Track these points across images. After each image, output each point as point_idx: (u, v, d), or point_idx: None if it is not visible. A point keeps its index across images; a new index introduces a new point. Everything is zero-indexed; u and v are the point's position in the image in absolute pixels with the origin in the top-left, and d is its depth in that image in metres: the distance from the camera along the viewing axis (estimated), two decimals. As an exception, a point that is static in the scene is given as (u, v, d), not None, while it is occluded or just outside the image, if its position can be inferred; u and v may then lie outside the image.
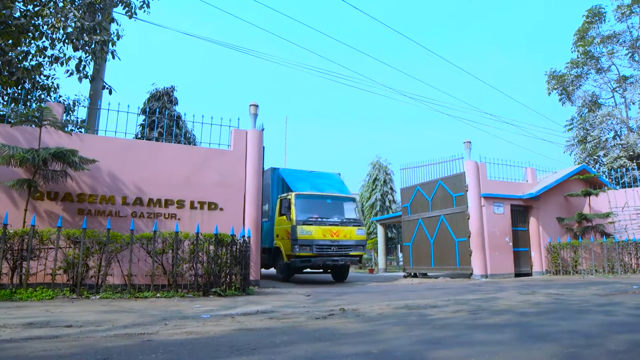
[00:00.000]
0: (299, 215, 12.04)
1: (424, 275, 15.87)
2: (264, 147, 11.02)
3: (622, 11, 20.42)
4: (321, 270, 14.47)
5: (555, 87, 22.55)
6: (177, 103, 23.78)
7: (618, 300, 6.21)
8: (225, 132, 10.55)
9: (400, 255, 23.59)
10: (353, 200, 13.75)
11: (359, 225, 12.95)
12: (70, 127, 12.70)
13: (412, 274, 16.04)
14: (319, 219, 12.31)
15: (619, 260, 13.11)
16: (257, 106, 11.05)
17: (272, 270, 14.41)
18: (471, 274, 13.34)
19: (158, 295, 7.45)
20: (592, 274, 13.11)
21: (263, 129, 11.04)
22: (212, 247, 8.10)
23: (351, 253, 12.55)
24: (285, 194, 12.83)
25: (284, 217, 12.34)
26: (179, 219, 9.41)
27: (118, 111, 9.25)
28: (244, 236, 8.67)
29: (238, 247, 8.42)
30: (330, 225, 12.36)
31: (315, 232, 12.03)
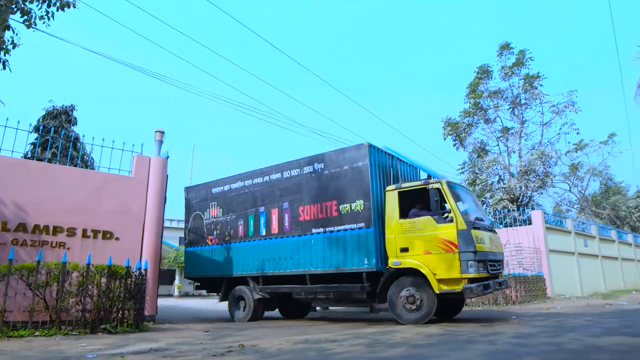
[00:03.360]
0: (464, 215, 8.18)
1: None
2: (167, 176, 10.64)
3: (506, 71, 23.15)
4: None
5: (450, 133, 24.59)
6: (76, 123, 22.18)
7: (500, 330, 6.75)
8: (127, 158, 10.04)
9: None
10: None
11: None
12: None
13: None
14: (480, 221, 8.64)
15: (502, 293, 14.29)
16: (162, 133, 10.70)
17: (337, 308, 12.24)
18: (371, 307, 13.66)
19: (37, 333, 6.72)
20: (479, 306, 14.13)
21: (168, 157, 10.68)
22: (104, 280, 7.54)
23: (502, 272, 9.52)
24: (419, 183, 8.94)
25: (427, 220, 8.32)
26: (68, 248, 8.63)
27: (5, 127, 8.40)
28: (140, 268, 8.20)
29: (133, 279, 7.94)
30: (489, 230, 8.87)
31: (487, 242, 8.41)
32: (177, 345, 5.65)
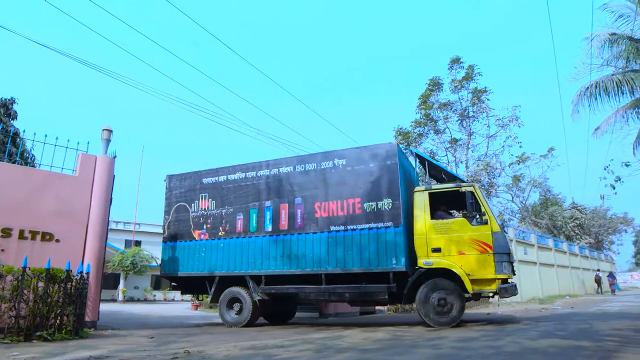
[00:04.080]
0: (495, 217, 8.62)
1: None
2: (114, 176, 10.26)
3: (455, 85, 24.01)
4: None
5: (401, 142, 25.17)
6: (16, 117, 20.98)
7: (444, 334, 6.96)
8: (71, 156, 9.61)
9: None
10: None
11: None
12: None
13: None
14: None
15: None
16: (110, 131, 10.31)
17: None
18: (320, 312, 13.73)
19: (-37, 341, 6.27)
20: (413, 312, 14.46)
21: (115, 156, 10.31)
22: (41, 284, 7.15)
23: None
24: (451, 185, 9.12)
25: (460, 221, 8.63)
26: (2, 249, 8.13)
27: None
28: (82, 272, 7.84)
29: (74, 283, 7.57)
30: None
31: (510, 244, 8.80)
32: (118, 353, 5.44)
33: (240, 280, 9.91)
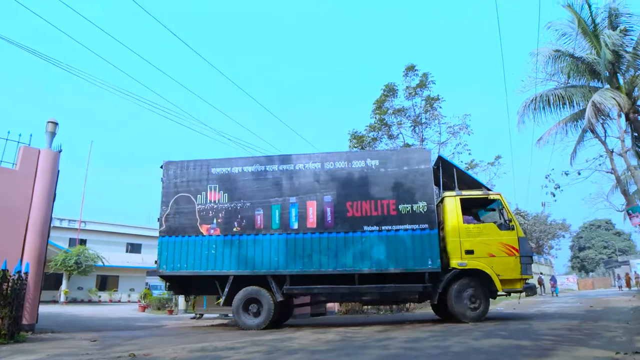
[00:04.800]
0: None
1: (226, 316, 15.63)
2: (59, 171, 9.79)
3: (410, 91, 24.55)
4: None
5: (356, 145, 25.45)
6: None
7: (394, 335, 7.09)
8: (11, 149, 9.09)
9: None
10: None
11: None
12: None
13: (199, 315, 14.77)
14: None
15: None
16: (56, 124, 9.85)
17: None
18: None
19: None
20: (375, 313, 14.72)
21: (60, 151, 9.84)
22: (-26, 284, 6.72)
23: None
24: (480, 193, 9.74)
25: (490, 225, 9.34)
26: None
27: None
28: (19, 271, 7.43)
29: (10, 284, 7.17)
30: None
31: None
32: (57, 357, 5.19)
33: (258, 280, 9.39)
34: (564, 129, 21.81)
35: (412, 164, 9.49)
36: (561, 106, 19.85)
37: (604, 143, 23.79)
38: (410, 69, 24.63)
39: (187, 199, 9.92)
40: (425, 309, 15.31)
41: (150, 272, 38.44)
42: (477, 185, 10.60)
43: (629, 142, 21.36)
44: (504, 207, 9.41)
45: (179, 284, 10.36)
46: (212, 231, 9.61)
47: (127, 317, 15.26)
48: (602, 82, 18.96)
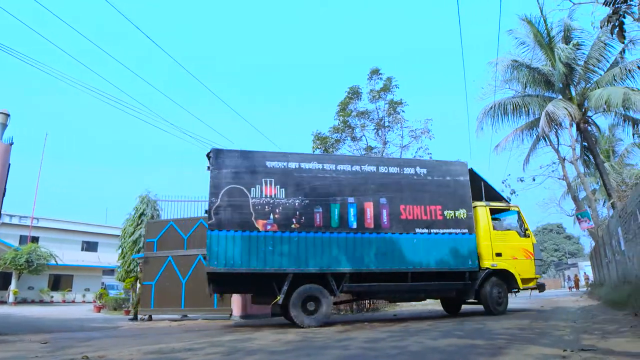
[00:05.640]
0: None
1: (183, 318, 15.38)
2: (10, 165, 9.39)
3: (373, 95, 24.85)
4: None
5: (319, 146, 25.53)
6: None
7: (354, 335, 7.18)
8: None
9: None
10: None
11: None
12: None
13: (148, 316, 14.22)
14: None
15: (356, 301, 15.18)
16: (7, 115, 9.46)
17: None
18: (230, 315, 13.55)
19: None
20: (335, 313, 14.81)
21: (12, 143, 9.44)
22: None
23: None
24: (503, 204, 11.52)
25: (512, 232, 11.30)
26: None
27: None
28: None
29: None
30: None
31: None
32: (5, 360, 5.00)
33: (316, 278, 9.41)
34: (520, 137, 22.67)
35: (454, 175, 10.68)
36: (517, 115, 20.65)
37: (556, 151, 24.82)
38: (375, 72, 24.94)
39: (240, 191, 9.42)
40: (384, 311, 15.54)
41: (106, 272, 37.33)
42: (498, 197, 11.94)
43: (579, 150, 22.38)
44: (521, 218, 11.25)
45: (227, 282, 9.82)
46: (269, 227, 9.30)
47: (81, 318, 14.77)
48: (556, 93, 19.83)
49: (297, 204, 9.55)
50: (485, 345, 5.33)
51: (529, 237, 11.11)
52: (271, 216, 9.37)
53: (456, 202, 10.44)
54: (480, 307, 10.73)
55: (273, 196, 9.50)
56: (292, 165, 9.81)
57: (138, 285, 15.71)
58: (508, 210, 11.47)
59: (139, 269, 15.71)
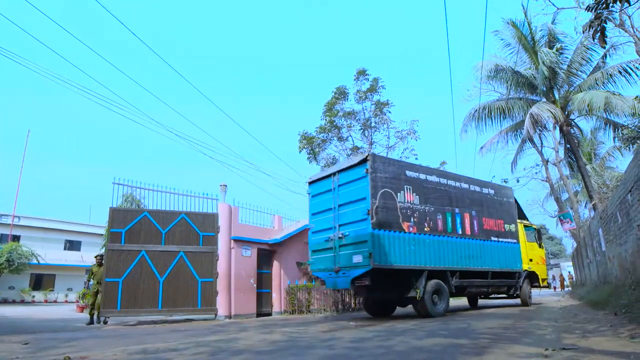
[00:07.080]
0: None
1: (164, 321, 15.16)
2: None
3: (360, 95, 24.92)
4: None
5: (305, 146, 25.53)
6: None
7: (339, 335, 7.19)
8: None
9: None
10: None
11: None
12: None
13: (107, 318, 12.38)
14: None
15: (341, 301, 15.22)
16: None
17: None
18: (216, 315, 13.44)
19: None
20: (321, 313, 14.84)
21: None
22: None
23: None
24: (528, 223, 15.50)
25: (534, 244, 15.00)
26: None
27: None
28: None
29: None
30: None
31: None
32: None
33: (439, 274, 10.97)
34: (505, 139, 22.94)
35: (507, 197, 13.91)
36: (502, 117, 20.90)
37: (540, 153, 25.14)
38: (362, 73, 25.01)
39: (390, 195, 10.41)
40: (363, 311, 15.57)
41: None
42: (524, 216, 15.61)
43: (562, 153, 22.71)
44: (538, 233, 15.48)
45: (378, 277, 10.14)
46: (411, 229, 10.53)
47: (64, 318, 14.55)
48: (539, 96, 20.11)
49: (426, 210, 11.07)
50: (469, 345, 5.39)
51: (542, 248, 15.33)
52: (411, 219, 10.65)
53: (510, 218, 13.64)
54: (466, 304, 14.15)
55: (412, 202, 10.83)
56: (422, 176, 11.37)
57: (92, 282, 13.20)
58: (530, 226, 15.24)
59: (95, 263, 13.22)
